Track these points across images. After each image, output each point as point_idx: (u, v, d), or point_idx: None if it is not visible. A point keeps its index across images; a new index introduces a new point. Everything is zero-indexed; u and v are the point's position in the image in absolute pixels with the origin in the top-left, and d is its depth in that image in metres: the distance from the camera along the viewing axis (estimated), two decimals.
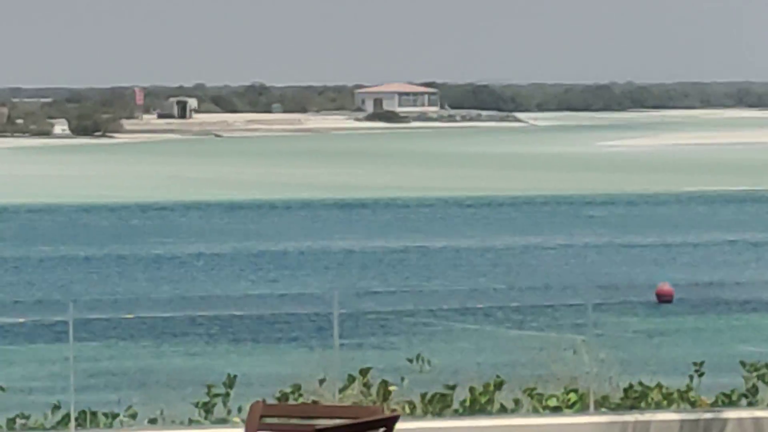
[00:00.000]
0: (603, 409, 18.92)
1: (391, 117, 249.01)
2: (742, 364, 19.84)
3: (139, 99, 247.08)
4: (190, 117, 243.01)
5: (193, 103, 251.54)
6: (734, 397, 19.11)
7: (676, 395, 19.46)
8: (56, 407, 18.13)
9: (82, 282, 79.15)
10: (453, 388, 18.98)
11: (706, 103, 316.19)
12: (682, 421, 18.47)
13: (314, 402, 17.89)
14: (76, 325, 19.81)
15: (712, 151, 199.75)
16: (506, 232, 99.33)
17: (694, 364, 19.88)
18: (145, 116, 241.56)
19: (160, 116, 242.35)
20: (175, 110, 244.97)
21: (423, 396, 19.05)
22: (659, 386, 19.44)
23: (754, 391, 19.34)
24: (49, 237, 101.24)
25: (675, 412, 19.14)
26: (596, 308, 22.19)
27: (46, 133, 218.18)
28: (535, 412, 18.94)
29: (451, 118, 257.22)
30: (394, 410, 17.71)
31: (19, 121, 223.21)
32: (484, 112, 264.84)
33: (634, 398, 19.40)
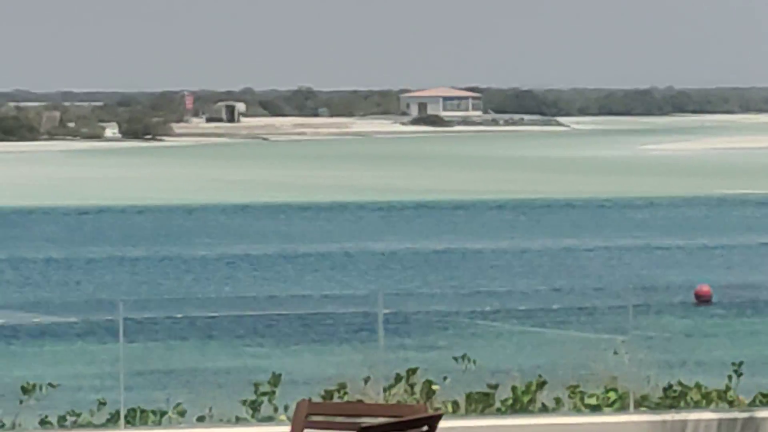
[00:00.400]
0: (642, 408, 19.10)
1: (435, 121, 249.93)
2: None
3: (189, 103, 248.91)
4: (238, 121, 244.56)
5: (241, 107, 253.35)
6: None
7: (714, 395, 19.25)
8: (103, 404, 18.24)
9: (130, 282, 79.95)
10: (495, 387, 18.96)
11: (745, 107, 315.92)
12: (720, 420, 18.41)
13: (359, 401, 17.74)
14: (125, 324, 19.90)
15: (751, 155, 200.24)
16: (547, 235, 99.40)
17: (733, 364, 19.71)
18: (194, 120, 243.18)
19: (209, 120, 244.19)
20: (224, 114, 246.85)
21: (467, 395, 18.87)
22: (698, 386, 19.39)
23: None
24: (97, 238, 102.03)
25: (713, 411, 18.93)
26: (636, 309, 22.08)
27: (97, 137, 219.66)
28: (576, 411, 19.07)
29: (494, 122, 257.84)
30: (437, 409, 17.74)
31: (71, 124, 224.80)
32: (526, 116, 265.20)
33: (673, 398, 19.29)
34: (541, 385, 19.56)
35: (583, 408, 19.10)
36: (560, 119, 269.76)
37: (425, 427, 14.10)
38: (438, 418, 14.39)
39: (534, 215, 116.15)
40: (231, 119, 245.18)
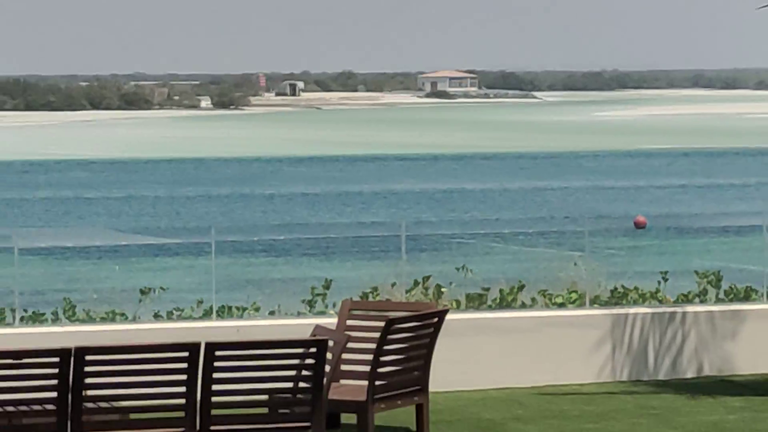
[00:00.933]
0: (595, 305, 19.12)
1: (442, 95, 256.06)
2: (696, 272, 20.21)
3: (262, 82, 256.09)
4: (299, 95, 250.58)
5: (300, 85, 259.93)
6: (690, 297, 19.45)
7: (648, 295, 19.68)
8: (200, 302, 19.20)
9: (219, 213, 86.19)
10: (487, 290, 19.68)
11: (671, 85, 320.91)
12: (653, 314, 18.15)
13: (387, 299, 18.41)
14: (216, 244, 20.83)
15: (673, 120, 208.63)
16: (523, 178, 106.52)
17: (661, 272, 20.22)
18: (266, 95, 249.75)
19: (277, 94, 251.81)
20: (288, 90, 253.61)
21: (466, 295, 19.76)
22: (636, 289, 19.85)
23: (704, 292, 19.53)
24: (195, 181, 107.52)
25: (647, 307, 18.83)
26: (590, 233, 22.48)
27: (195, 107, 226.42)
28: (546, 307, 19.48)
29: (486, 96, 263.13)
30: (445, 305, 18.02)
31: (176, 97, 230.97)
32: (510, 92, 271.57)
33: (618, 297, 19.55)
34: (521, 288, 19.57)
35: (551, 305, 19.29)
36: (535, 94, 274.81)
37: (435, 319, 14.51)
38: (445, 312, 14.74)
39: (513, 164, 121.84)
40: (293, 94, 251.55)
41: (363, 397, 13.37)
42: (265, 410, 12.37)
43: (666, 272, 20.72)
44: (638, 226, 37.04)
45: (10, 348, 12.55)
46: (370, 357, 13.40)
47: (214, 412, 11.89)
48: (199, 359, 11.33)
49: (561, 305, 19.55)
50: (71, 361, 11.21)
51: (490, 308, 19.45)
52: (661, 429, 15.23)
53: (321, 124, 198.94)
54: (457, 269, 21.60)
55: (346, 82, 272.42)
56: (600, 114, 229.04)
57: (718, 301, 19.80)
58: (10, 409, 11.39)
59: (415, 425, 14.19)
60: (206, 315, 19.07)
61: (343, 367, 13.94)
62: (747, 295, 19.73)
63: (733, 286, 20.15)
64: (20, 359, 11.23)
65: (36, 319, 18.24)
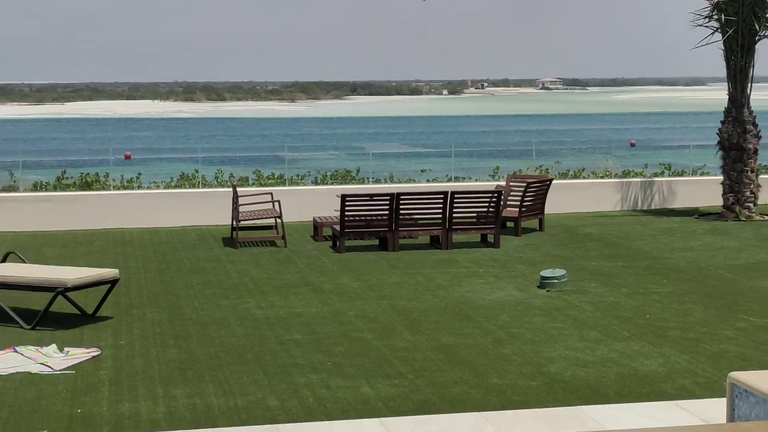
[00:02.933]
0: (616, 176, 22.07)
1: (549, 89, 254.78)
2: (660, 164, 23.92)
3: (469, 83, 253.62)
4: (484, 89, 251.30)
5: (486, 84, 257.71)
6: (659, 173, 22.07)
7: (639, 173, 22.46)
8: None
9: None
10: (567, 171, 23.84)
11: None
12: (641, 181, 21.73)
13: (526, 174, 20.45)
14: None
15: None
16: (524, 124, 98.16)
17: (645, 166, 24.24)
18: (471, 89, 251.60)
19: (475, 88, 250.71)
20: (479, 86, 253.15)
21: (558, 173, 23.32)
22: (633, 171, 23.66)
23: (662, 172, 22.79)
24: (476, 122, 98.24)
25: (639, 177, 21.85)
26: (615, 148, 25.42)
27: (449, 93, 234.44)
28: (594, 176, 22.54)
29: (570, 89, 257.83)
30: (550, 177, 21.44)
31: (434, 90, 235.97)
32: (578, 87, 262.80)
33: (625, 174, 22.65)
34: (582, 170, 23.13)
35: (597, 176, 22.41)
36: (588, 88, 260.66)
37: (548, 182, 18.59)
38: (551, 180, 18.71)
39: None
40: (482, 88, 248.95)
41: (516, 215, 17.46)
42: (474, 220, 16.91)
43: (646, 164, 24.97)
44: (633, 145, 41.56)
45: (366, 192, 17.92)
46: (519, 198, 17.55)
47: (454, 222, 16.51)
48: (447, 199, 16.02)
49: (602, 177, 22.97)
50: (394, 197, 16.35)
51: (568, 177, 23.09)
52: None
53: (506, 102, 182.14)
54: (555, 162, 25.37)
55: (500, 82, 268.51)
56: (616, 97, 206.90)
57: (670, 174, 23.21)
58: (368, 220, 16.06)
59: (538, 227, 18.00)
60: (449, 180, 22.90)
61: (508, 202, 17.83)
62: (681, 173, 23.68)
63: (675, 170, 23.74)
64: (372, 197, 16.30)
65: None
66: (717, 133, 19.87)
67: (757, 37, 19.34)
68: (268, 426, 7.68)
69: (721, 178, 20.21)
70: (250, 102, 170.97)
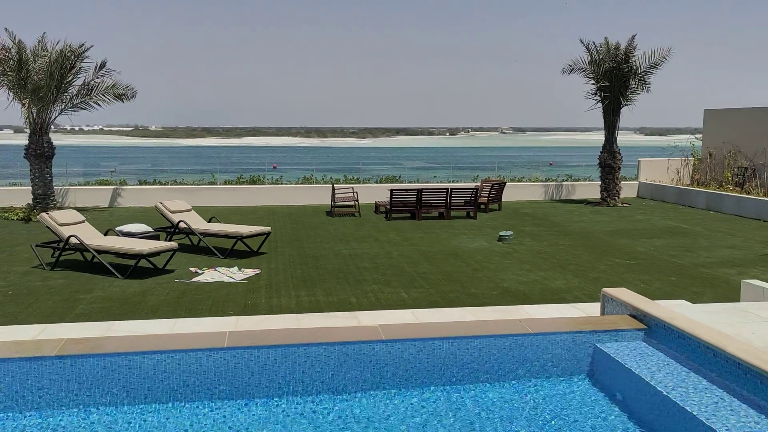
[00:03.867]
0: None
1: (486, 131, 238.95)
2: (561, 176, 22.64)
3: (468, 131, 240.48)
4: (503, 132, 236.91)
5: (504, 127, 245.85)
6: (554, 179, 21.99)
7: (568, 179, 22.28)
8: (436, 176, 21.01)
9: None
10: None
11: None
12: (555, 184, 20.88)
13: (487, 179, 20.61)
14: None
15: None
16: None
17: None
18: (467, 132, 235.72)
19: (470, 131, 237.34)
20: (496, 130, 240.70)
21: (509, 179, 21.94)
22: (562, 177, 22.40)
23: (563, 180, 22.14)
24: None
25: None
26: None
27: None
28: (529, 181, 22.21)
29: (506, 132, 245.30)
30: (504, 182, 21.44)
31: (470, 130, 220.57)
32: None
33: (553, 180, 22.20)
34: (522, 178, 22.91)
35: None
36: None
37: (504, 184, 17.86)
38: (504, 183, 18.01)
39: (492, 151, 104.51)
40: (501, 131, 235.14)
41: (486, 201, 17.40)
42: (463, 203, 16.47)
43: (558, 175, 23.21)
44: (550, 164, 35.36)
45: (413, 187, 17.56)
46: (488, 192, 17.66)
47: (452, 205, 16.42)
48: (448, 192, 17.01)
49: (533, 181, 22.24)
50: (419, 191, 16.31)
51: (515, 181, 22.03)
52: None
53: (481, 140, 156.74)
54: (508, 173, 24.48)
55: (477, 128, 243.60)
56: (542, 137, 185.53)
57: (571, 180, 21.78)
58: (405, 203, 15.99)
59: (498, 208, 17.75)
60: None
61: (482, 194, 17.64)
62: (577, 179, 22.44)
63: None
64: (407, 191, 17.05)
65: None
66: (598, 158, 19.61)
67: (621, 106, 19.15)
68: (350, 312, 7.60)
69: (599, 182, 19.95)
70: (340, 138, 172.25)
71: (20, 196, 17.69)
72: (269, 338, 5.33)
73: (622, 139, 20.89)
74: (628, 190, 20.85)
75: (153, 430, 4.71)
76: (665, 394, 4.44)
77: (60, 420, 4.79)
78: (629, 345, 5.41)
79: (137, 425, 4.76)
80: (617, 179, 19.20)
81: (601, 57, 18.70)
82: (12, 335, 6.43)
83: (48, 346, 5.09)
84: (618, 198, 19.10)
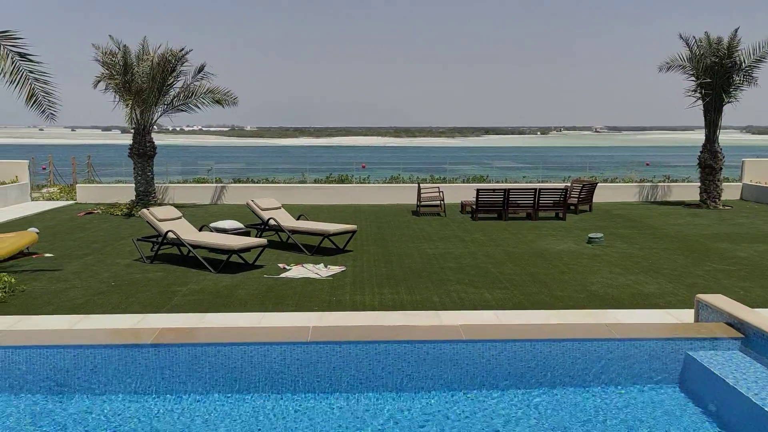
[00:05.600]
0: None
1: (544, 132, 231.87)
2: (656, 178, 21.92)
3: (558, 130, 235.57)
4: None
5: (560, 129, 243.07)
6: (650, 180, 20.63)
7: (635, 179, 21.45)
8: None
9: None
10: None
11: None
12: (638, 185, 21.52)
13: (578, 179, 20.38)
14: None
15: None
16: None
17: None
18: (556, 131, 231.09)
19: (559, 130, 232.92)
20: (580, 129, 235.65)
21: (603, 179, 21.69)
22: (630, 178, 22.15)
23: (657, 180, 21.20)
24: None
25: (635, 183, 20.39)
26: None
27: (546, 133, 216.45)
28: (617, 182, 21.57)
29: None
30: (596, 182, 21.03)
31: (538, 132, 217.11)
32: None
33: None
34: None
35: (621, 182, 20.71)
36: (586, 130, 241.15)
37: (595, 185, 17.34)
38: (595, 184, 17.82)
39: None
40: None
41: (576, 202, 16.78)
42: (551, 204, 15.88)
43: (654, 176, 22.33)
44: (647, 165, 33.20)
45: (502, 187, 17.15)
46: (578, 193, 17.02)
47: (540, 205, 15.89)
48: (536, 193, 16.47)
49: (627, 182, 20.79)
50: (506, 191, 16.06)
51: (608, 182, 20.93)
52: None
53: (574, 139, 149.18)
54: (600, 173, 23.54)
55: (569, 128, 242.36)
56: (639, 136, 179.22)
57: (668, 181, 20.85)
58: (491, 203, 15.75)
59: (589, 209, 17.08)
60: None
61: (572, 195, 17.07)
62: (675, 180, 21.32)
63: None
64: (494, 191, 16.73)
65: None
66: (697, 158, 18.75)
67: (723, 103, 18.13)
68: (433, 311, 7.61)
69: (698, 184, 19.07)
70: (428, 138, 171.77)
71: (125, 192, 18.37)
72: (350, 334, 5.50)
73: (726, 138, 19.82)
74: (730, 192, 19.78)
75: (246, 418, 4.89)
76: (762, 407, 4.24)
77: (154, 404, 5.03)
78: (724, 354, 5.23)
79: (225, 411, 4.93)
80: (718, 180, 18.24)
81: (702, 52, 17.80)
82: (114, 324, 7.02)
83: (145, 334, 5.42)
84: (719, 200, 18.17)
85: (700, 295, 6.19)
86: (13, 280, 8.60)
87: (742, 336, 5.38)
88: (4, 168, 19.22)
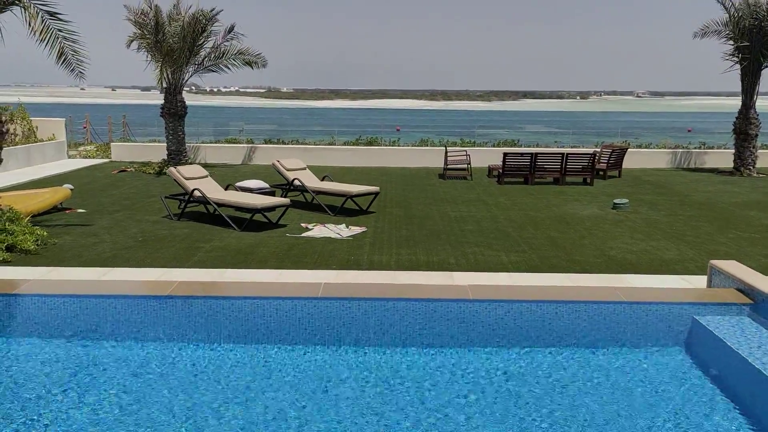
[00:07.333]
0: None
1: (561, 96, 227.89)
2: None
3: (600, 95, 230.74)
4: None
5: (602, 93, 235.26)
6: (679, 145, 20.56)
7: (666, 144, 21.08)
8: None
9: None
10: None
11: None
12: (671, 151, 21.23)
13: (604, 143, 19.79)
14: None
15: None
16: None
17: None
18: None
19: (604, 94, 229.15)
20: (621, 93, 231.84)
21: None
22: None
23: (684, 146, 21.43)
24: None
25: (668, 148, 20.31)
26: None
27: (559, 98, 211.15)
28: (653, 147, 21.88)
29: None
30: (623, 147, 20.18)
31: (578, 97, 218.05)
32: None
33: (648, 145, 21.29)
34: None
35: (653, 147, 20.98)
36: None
37: (626, 150, 16.93)
38: (625, 149, 17.18)
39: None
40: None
41: (605, 167, 16.80)
42: (580, 169, 15.94)
43: (689, 141, 22.62)
44: (689, 131, 32.40)
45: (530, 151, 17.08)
46: (607, 158, 16.98)
47: (567, 170, 16.54)
48: (564, 157, 16.33)
49: (660, 148, 20.83)
50: (533, 155, 15.89)
51: (641, 147, 21.14)
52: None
53: (614, 105, 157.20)
54: (635, 138, 23.61)
55: (610, 92, 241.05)
56: (681, 102, 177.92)
57: (704, 148, 20.74)
58: (518, 167, 16.43)
59: (618, 175, 17.07)
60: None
61: (601, 160, 17.11)
62: (710, 147, 21.18)
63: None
64: (522, 155, 16.59)
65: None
66: (732, 124, 18.39)
67: (762, 67, 17.70)
68: (447, 272, 7.69)
69: (733, 150, 18.70)
70: (465, 102, 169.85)
71: (157, 152, 18.75)
72: (360, 291, 5.64)
73: (764, 104, 19.29)
74: (766, 159, 19.44)
75: (257, 366, 5.13)
76: (764, 372, 4.25)
77: (170, 351, 5.30)
78: (731, 320, 5.23)
79: (237, 359, 5.17)
80: (754, 147, 17.95)
81: (740, 14, 17.34)
82: (139, 276, 7.33)
83: (162, 287, 5.70)
84: (753, 168, 17.94)
85: (713, 261, 6.16)
86: (45, 233, 8.93)
87: (751, 302, 5.36)
88: (43, 126, 19.66)
